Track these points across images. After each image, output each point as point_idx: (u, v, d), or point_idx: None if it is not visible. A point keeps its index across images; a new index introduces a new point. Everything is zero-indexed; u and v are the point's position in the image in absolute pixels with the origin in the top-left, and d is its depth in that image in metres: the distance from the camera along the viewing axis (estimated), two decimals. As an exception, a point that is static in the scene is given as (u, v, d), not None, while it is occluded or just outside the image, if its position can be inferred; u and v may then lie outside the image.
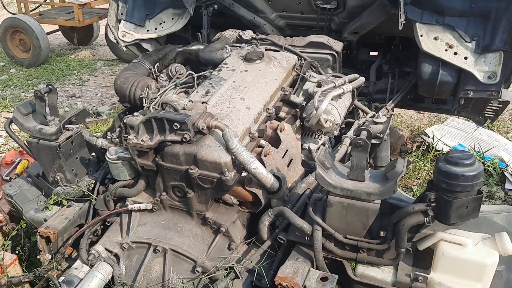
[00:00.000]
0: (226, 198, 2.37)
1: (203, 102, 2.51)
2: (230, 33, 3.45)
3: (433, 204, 1.91)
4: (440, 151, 4.35)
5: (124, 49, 4.11)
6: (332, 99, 2.67)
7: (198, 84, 2.82)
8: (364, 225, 2.06)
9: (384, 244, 2.05)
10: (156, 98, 2.69)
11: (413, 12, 3.17)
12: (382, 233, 2.05)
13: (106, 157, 2.45)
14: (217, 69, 2.86)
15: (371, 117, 3.04)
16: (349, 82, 2.80)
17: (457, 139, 4.61)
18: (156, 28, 3.97)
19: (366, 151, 1.97)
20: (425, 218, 1.93)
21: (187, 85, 2.90)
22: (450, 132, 4.72)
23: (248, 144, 2.38)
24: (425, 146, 4.51)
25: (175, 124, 2.13)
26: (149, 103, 2.71)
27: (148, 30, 3.98)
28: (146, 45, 4.06)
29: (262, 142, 2.57)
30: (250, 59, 2.86)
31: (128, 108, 3.10)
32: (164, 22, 3.97)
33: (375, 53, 4.22)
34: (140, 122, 2.22)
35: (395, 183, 1.92)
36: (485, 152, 4.30)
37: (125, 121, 2.28)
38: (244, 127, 2.37)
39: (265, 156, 2.45)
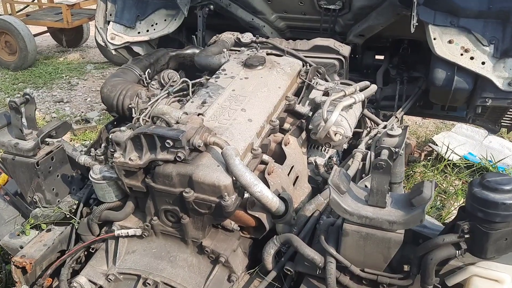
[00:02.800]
0: (226, 224, 2.10)
1: (199, 114, 2.24)
2: (228, 36, 3.18)
3: (466, 236, 1.65)
4: (450, 160, 4.10)
5: (114, 52, 3.83)
6: (342, 110, 2.41)
7: (193, 93, 2.55)
8: (384, 257, 1.80)
9: (408, 279, 1.79)
10: (146, 108, 2.42)
11: (426, 13, 2.92)
12: (406, 267, 1.79)
13: (89, 176, 2.17)
14: (214, 76, 2.59)
15: (384, 127, 2.78)
16: (360, 90, 2.53)
17: (467, 147, 4.37)
18: (147, 30, 3.71)
19: (388, 174, 1.71)
20: (457, 251, 1.67)
21: (181, 93, 2.63)
22: (458, 140, 4.48)
23: (251, 162, 2.12)
24: (434, 155, 4.26)
25: (168, 141, 1.86)
26: (139, 114, 2.44)
27: (139, 32, 3.71)
28: (137, 48, 3.79)
29: (266, 157, 2.31)
30: (250, 65, 2.59)
31: (117, 118, 2.83)
32: (156, 23, 3.71)
33: (381, 57, 3.98)
34: (127, 138, 1.94)
35: (422, 211, 1.66)
36: (497, 162, 4.05)
37: (110, 136, 2.00)
38: (245, 142, 2.10)
39: (269, 175, 2.18)
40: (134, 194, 2.12)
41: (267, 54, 2.90)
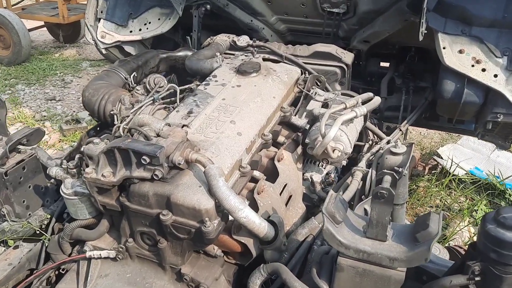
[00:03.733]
0: (209, 249, 1.89)
1: (183, 126, 2.03)
2: (223, 39, 2.97)
3: (477, 278, 1.45)
4: (455, 175, 3.89)
5: (104, 52, 3.63)
6: (341, 124, 2.20)
7: (181, 100, 2.34)
8: (383, 297, 1.59)
9: (409, 323, 1.58)
10: (128, 116, 2.22)
11: (435, 21, 2.72)
12: (407, 309, 1.58)
13: (60, 191, 1.97)
14: (204, 82, 2.38)
15: (387, 143, 2.58)
16: (363, 102, 2.33)
17: (473, 161, 4.16)
18: (140, 29, 3.52)
19: (390, 204, 1.50)
20: (466, 295, 1.46)
21: (169, 100, 2.43)
22: (464, 153, 4.26)
23: (238, 181, 1.91)
24: (438, 169, 4.05)
25: (144, 157, 1.65)
26: (120, 122, 2.24)
27: (131, 31, 3.52)
28: (128, 48, 3.59)
29: (257, 174, 2.10)
30: (244, 72, 2.39)
31: (100, 124, 2.63)
32: (149, 22, 3.52)
33: (386, 64, 3.78)
34: (100, 152, 1.74)
35: (428, 249, 1.45)
36: (505, 179, 3.84)
37: (83, 148, 1.80)
38: (233, 159, 1.90)
39: (258, 194, 1.98)
40: (109, 212, 1.92)
41: (264, 59, 2.70)
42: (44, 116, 5.14)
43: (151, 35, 3.51)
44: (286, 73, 2.47)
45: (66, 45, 7.54)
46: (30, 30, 6.84)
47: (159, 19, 3.49)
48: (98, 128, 2.67)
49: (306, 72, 2.58)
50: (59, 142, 4.59)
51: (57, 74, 6.30)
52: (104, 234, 2.01)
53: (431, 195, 3.83)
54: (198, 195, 1.68)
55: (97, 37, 3.51)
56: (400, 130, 3.09)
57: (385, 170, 1.56)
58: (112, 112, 2.34)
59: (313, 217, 2.03)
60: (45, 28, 7.62)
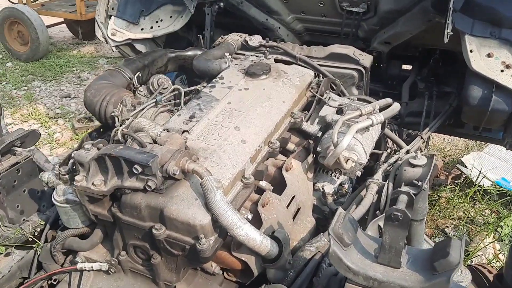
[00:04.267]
0: (206, 265, 1.75)
1: (184, 131, 1.89)
2: (234, 38, 2.83)
3: (504, 315, 1.27)
4: (480, 186, 3.66)
5: (114, 49, 3.53)
6: (356, 132, 2.03)
7: (187, 102, 2.21)
8: (395, 330, 1.42)
9: None
10: (129, 119, 2.09)
11: (462, 22, 2.52)
12: None
13: (52, 198, 1.85)
14: (209, 84, 2.24)
15: (406, 152, 2.39)
16: (380, 109, 2.15)
17: (500, 171, 3.92)
18: (151, 27, 3.40)
19: (405, 228, 1.33)
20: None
21: (173, 102, 2.29)
22: (491, 162, 4.02)
23: (240, 193, 1.76)
24: (462, 179, 3.82)
25: (136, 166, 1.52)
26: (120, 125, 2.11)
27: (142, 29, 3.41)
28: (139, 46, 3.49)
29: (262, 184, 1.95)
30: (253, 74, 2.23)
31: (103, 125, 2.51)
32: (161, 20, 3.40)
33: (408, 67, 3.58)
34: (91, 159, 1.61)
35: (447, 281, 1.28)
36: (534, 191, 3.60)
37: (73, 155, 1.67)
38: (235, 169, 1.75)
39: (263, 207, 1.83)
40: (102, 222, 1.79)
41: (276, 60, 2.54)
42: (58, 113, 5.08)
43: (163, 33, 3.39)
44: (298, 75, 2.30)
45: (85, 42, 7.51)
46: (48, 26, 6.81)
47: (171, 16, 3.37)
48: (101, 130, 2.55)
49: (320, 75, 2.40)
50: (71, 140, 4.52)
51: (74, 71, 6.26)
52: (98, 245, 1.89)
53: (454, 206, 3.61)
54: (193, 209, 1.54)
55: (107, 35, 3.41)
56: (422, 138, 2.90)
57: (401, 189, 1.39)
58: (113, 114, 2.22)
59: (322, 233, 1.87)
60: (64, 25, 7.60)
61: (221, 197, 1.51)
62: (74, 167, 1.80)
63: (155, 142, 1.75)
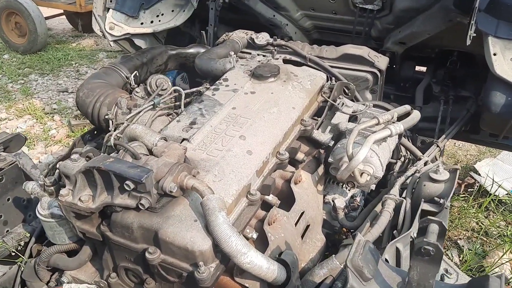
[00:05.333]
0: (205, 291, 1.57)
1: (183, 140, 1.71)
2: (240, 35, 2.64)
3: None
4: (495, 196, 3.47)
5: (112, 44, 3.35)
6: (374, 142, 1.85)
7: (187, 105, 2.02)
8: None
9: None
10: (123, 123, 1.91)
11: (486, 22, 2.34)
12: None
13: (36, 211, 1.67)
14: (213, 86, 2.05)
15: (424, 164, 2.20)
16: (398, 118, 1.96)
17: (515, 179, 3.72)
18: (152, 22, 3.22)
19: (437, 264, 1.15)
20: None
21: (173, 105, 2.11)
22: (505, 170, 3.83)
23: (245, 210, 1.58)
24: (476, 187, 3.63)
25: (127, 182, 1.34)
26: (114, 129, 1.93)
27: (142, 23, 3.22)
28: (139, 42, 3.30)
29: (269, 198, 1.77)
30: (260, 76, 2.05)
31: (96, 127, 2.33)
32: (162, 14, 3.22)
33: (423, 69, 3.38)
34: (78, 171, 1.43)
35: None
36: (552, 202, 3.41)
37: (58, 165, 1.49)
38: (240, 184, 1.56)
39: (269, 225, 1.65)
40: (90, 239, 1.61)
41: (284, 61, 2.35)
42: (54, 109, 4.89)
43: (164, 28, 3.21)
44: (309, 78, 2.11)
45: (85, 34, 7.30)
46: (47, 18, 6.61)
47: (172, 10, 3.19)
48: (95, 132, 2.38)
49: (333, 78, 2.21)
50: (67, 137, 4.33)
51: (72, 65, 6.06)
52: (86, 263, 1.71)
53: (467, 217, 3.43)
54: (192, 232, 1.36)
55: (105, 29, 3.22)
56: (438, 146, 2.71)
57: (432, 217, 1.20)
58: (106, 117, 2.04)
59: (334, 255, 1.69)
60: (64, 17, 7.40)
61: (223, 219, 1.33)
62: (61, 178, 1.62)
63: (150, 152, 1.56)
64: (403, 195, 1.99)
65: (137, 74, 2.24)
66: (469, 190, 3.63)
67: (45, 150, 4.17)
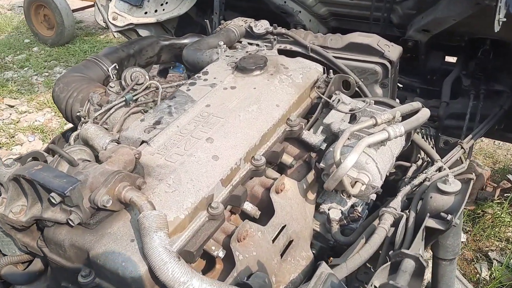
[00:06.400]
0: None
1: (142, 142, 1.51)
2: (238, 24, 2.40)
3: None
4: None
5: (116, 35, 3.19)
6: (370, 147, 1.58)
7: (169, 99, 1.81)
8: None
9: None
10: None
11: (519, 5, 1.98)
12: None
13: (-18, 218, 1.52)
14: (189, 80, 1.83)
15: (438, 170, 1.90)
16: (404, 117, 1.67)
17: (560, 183, 3.30)
18: (156, 11, 3.04)
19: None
20: None
21: (151, 101, 1.91)
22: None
23: (205, 226, 1.36)
24: (513, 192, 3.25)
25: (52, 195, 1.15)
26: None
27: (146, 13, 3.05)
28: (143, 32, 3.14)
29: (247, 208, 1.55)
30: (243, 69, 1.80)
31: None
32: (166, 2, 3.04)
33: (453, 59, 3.03)
34: (8, 178, 1.25)
35: None
36: None
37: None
38: (197, 196, 1.34)
39: (239, 242, 1.42)
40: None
41: (280, 51, 2.10)
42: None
43: (168, 17, 3.04)
44: (302, 71, 1.85)
45: (114, 26, 7.26)
46: (76, 10, 6.60)
47: (177, -1, 2.99)
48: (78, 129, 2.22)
49: (331, 70, 1.94)
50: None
51: (98, 57, 6.01)
52: (37, 278, 1.54)
53: (502, 225, 3.06)
54: (125, 254, 1.15)
55: (108, 19, 3.06)
56: (462, 147, 2.38)
57: (406, 251, 0.94)
58: (78, 114, 1.86)
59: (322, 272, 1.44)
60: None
61: (160, 241, 1.11)
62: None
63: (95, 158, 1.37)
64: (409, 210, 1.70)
65: (117, 66, 2.05)
66: (505, 195, 3.25)
67: (59, 144, 4.11)
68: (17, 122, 4.57)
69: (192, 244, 1.31)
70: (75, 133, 1.64)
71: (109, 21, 3.05)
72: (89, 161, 1.32)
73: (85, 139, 1.46)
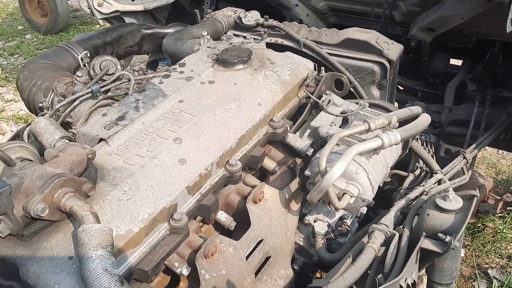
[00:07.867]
0: None
1: (101, 139, 1.32)
2: (227, 14, 2.21)
3: None
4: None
5: (101, 23, 3.02)
6: (360, 155, 1.40)
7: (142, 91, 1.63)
8: None
9: None
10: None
11: (532, 5, 1.80)
12: None
13: None
14: (163, 73, 1.64)
15: (437, 183, 1.71)
16: (401, 122, 1.48)
17: None
18: (144, -2, 2.85)
19: None
20: None
21: (123, 93, 1.72)
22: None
23: (165, 240, 1.17)
24: (516, 206, 3.06)
25: (-24, 200, 0.96)
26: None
27: (133, 0, 2.86)
28: (130, 20, 2.94)
29: (221, 218, 1.37)
30: (225, 62, 1.61)
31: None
32: (154, -11, 2.84)
33: (458, 62, 2.84)
34: None
35: None
36: None
37: None
38: (156, 206, 1.16)
39: (206, 258, 1.24)
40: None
41: (268, 45, 1.92)
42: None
43: (155, 6, 2.86)
44: (290, 67, 1.66)
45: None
46: (72, -3, 6.42)
47: (166, -14, 2.81)
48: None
49: (323, 68, 1.75)
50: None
51: (91, 47, 5.83)
52: None
53: (503, 241, 2.87)
54: (60, 275, 0.97)
55: (93, 5, 2.88)
56: (465, 157, 2.19)
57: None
58: (40, 105, 1.68)
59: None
60: (92, -3, 7.19)
61: (100, 262, 0.93)
62: None
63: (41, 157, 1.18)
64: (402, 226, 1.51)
65: (89, 54, 1.86)
66: (508, 208, 3.06)
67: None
68: (2, 110, 4.40)
69: (148, 262, 1.12)
70: (28, 128, 1.45)
71: (94, 7, 2.87)
72: (31, 160, 1.14)
73: (34, 135, 1.27)
